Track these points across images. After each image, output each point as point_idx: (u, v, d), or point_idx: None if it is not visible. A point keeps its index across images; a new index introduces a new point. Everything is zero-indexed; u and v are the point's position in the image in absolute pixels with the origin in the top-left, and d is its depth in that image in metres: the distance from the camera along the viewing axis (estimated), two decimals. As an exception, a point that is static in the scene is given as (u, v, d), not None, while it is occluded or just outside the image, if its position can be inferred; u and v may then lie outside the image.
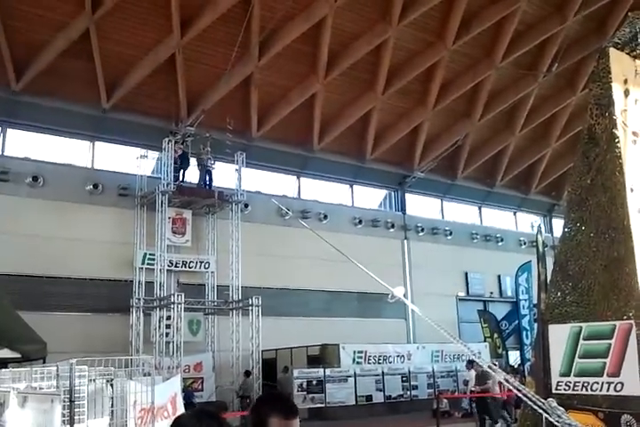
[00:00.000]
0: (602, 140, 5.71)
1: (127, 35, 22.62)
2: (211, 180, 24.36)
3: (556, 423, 2.54)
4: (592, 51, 28.17)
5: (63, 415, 5.74)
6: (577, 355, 4.57)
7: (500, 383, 18.90)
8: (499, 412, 18.33)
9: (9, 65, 21.32)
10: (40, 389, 7.81)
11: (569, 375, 4.56)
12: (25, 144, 23.27)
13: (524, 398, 2.71)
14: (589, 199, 5.50)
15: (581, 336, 4.61)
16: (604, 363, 4.31)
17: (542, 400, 2.64)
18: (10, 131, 23.12)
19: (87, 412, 6.09)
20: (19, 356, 15.05)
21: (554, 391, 4.56)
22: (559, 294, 5.27)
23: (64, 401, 5.78)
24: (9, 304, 16.68)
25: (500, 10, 26.12)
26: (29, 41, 21.50)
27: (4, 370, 10.03)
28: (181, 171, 24.06)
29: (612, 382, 4.20)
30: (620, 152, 5.49)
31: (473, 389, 19.39)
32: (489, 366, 2.65)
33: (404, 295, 4.16)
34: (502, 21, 26.76)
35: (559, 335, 4.79)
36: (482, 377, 18.93)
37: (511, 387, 2.77)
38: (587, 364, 4.47)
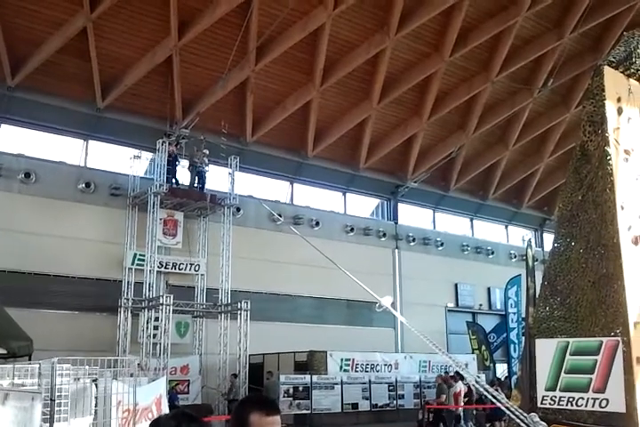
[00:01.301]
0: (594, 157, 5.76)
1: (125, 35, 22.62)
2: (204, 182, 24.33)
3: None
4: (587, 68, 28.38)
5: (44, 414, 5.72)
6: (563, 370, 4.59)
7: (455, 397, 19.12)
8: (452, 424, 18.48)
9: (5, 60, 21.27)
10: (23, 386, 7.79)
11: (555, 390, 4.58)
12: (18, 140, 23.20)
13: (507, 412, 2.73)
14: (580, 215, 5.54)
15: (568, 351, 4.63)
16: (590, 379, 4.33)
17: (525, 414, 2.66)
18: (3, 126, 23.05)
19: (70, 411, 6.07)
20: (4, 352, 14.97)
21: (539, 405, 4.58)
22: (547, 308, 5.29)
23: (45, 399, 5.76)
24: (-4, 301, 16.62)
25: (497, 24, 26.27)
26: (26, 37, 21.47)
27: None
28: (173, 174, 24.03)
29: (598, 398, 4.22)
30: (611, 169, 5.54)
31: (430, 401, 19.70)
32: (475, 380, 2.67)
33: (392, 305, 4.17)
34: (499, 35, 26.91)
35: (546, 350, 4.81)
36: (438, 391, 19.18)
37: (495, 400, 2.79)
38: (573, 379, 4.49)
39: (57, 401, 5.70)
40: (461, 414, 19.75)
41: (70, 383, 6.33)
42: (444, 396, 18.87)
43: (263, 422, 2.76)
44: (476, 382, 2.74)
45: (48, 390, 5.94)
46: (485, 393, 2.73)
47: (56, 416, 5.74)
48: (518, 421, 2.65)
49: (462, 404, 20.47)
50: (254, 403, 2.84)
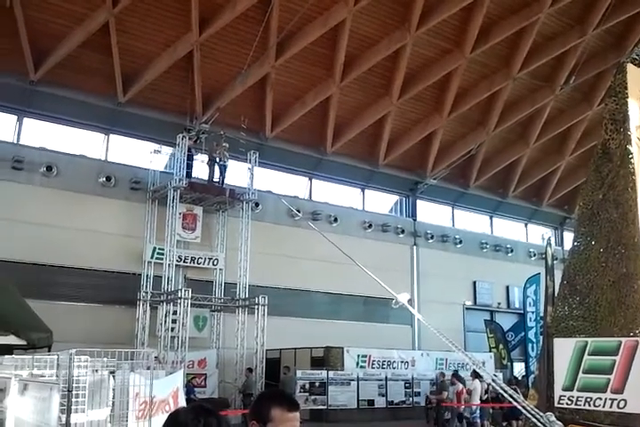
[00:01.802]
0: (615, 156, 5.71)
1: (146, 30, 22.74)
2: (224, 176, 24.38)
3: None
4: (610, 65, 28.11)
5: (61, 404, 5.79)
6: (581, 370, 4.55)
7: (458, 395, 19.18)
8: (453, 422, 18.50)
9: (28, 55, 21.46)
10: (42, 377, 7.88)
11: (572, 390, 4.55)
12: (40, 134, 23.42)
13: (524, 411, 2.71)
14: (600, 214, 5.49)
15: (586, 351, 4.60)
16: (609, 379, 4.30)
17: (541, 414, 2.65)
18: (26, 120, 23.26)
19: (87, 402, 6.13)
20: (24, 343, 15.13)
21: (556, 405, 4.55)
22: (566, 307, 5.26)
23: (62, 390, 5.82)
24: (17, 292, 16.79)
25: (519, 20, 26.07)
26: (49, 32, 21.65)
27: (7, 356, 10.09)
28: (193, 168, 24.15)
29: (616, 399, 4.19)
30: (633, 168, 5.48)
31: (431, 397, 19.83)
32: (492, 379, 2.66)
33: (410, 302, 4.17)
34: (521, 32, 26.70)
35: (564, 349, 4.78)
36: (439, 387, 19.24)
37: (511, 399, 2.78)
38: (591, 379, 4.45)
39: (74, 392, 5.75)
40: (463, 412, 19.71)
41: (88, 375, 6.39)
42: (446, 393, 18.91)
43: (285, 417, 2.78)
44: (493, 380, 2.73)
45: (65, 381, 6.01)
46: (502, 392, 2.72)
47: (73, 407, 5.80)
48: (534, 420, 2.64)
49: (479, 401, 20.41)
50: (276, 398, 2.86)
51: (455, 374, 20.84)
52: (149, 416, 7.42)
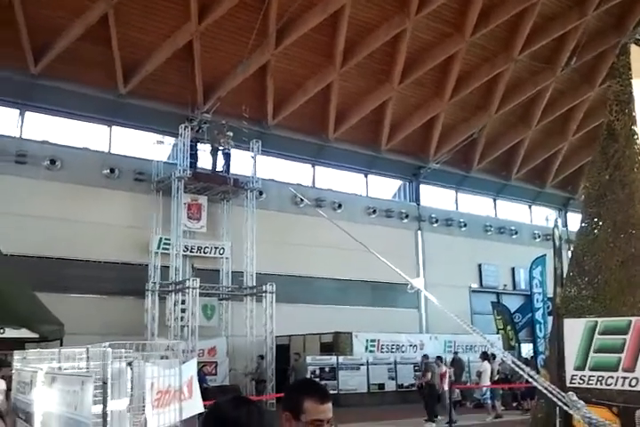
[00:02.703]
0: (621, 137, 5.74)
1: (145, 21, 22.69)
2: (229, 164, 24.40)
3: (576, 416, 2.60)
4: (610, 46, 28.00)
5: (95, 396, 5.91)
6: (592, 349, 4.62)
7: (441, 377, 19.43)
8: (435, 404, 18.69)
9: (28, 49, 21.46)
10: (65, 370, 8.00)
11: (584, 369, 4.62)
12: (43, 127, 23.45)
13: (544, 391, 2.77)
14: (607, 195, 5.53)
15: (597, 331, 4.66)
16: (620, 358, 4.36)
17: (563, 393, 2.70)
18: (28, 114, 23.29)
19: (110, 393, 6.26)
20: (36, 336, 15.31)
21: (568, 385, 4.62)
22: (575, 288, 5.32)
23: (95, 382, 5.95)
24: (27, 285, 16.94)
25: (519, 2, 25.93)
26: (48, 25, 21.61)
27: (31, 350, 10.26)
28: (196, 159, 24.16)
29: (628, 378, 4.26)
30: (639, 149, 5.52)
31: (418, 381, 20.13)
32: (512, 361, 2.73)
33: (424, 286, 4.23)
34: (521, 14, 26.57)
35: (574, 329, 4.85)
36: (424, 369, 19.45)
37: (531, 379, 2.84)
38: (602, 358, 4.52)
39: (96, 384, 5.88)
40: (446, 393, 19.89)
41: (111, 367, 6.51)
42: (430, 374, 19.14)
43: (319, 409, 2.84)
44: (513, 361, 2.78)
45: (97, 373, 6.14)
46: (521, 372, 2.78)
47: (96, 399, 5.91)
48: (555, 400, 2.69)
49: (489, 383, 20.52)
50: (308, 390, 2.89)
51: (439, 357, 21.09)
52: (167, 405, 7.53)
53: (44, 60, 21.99)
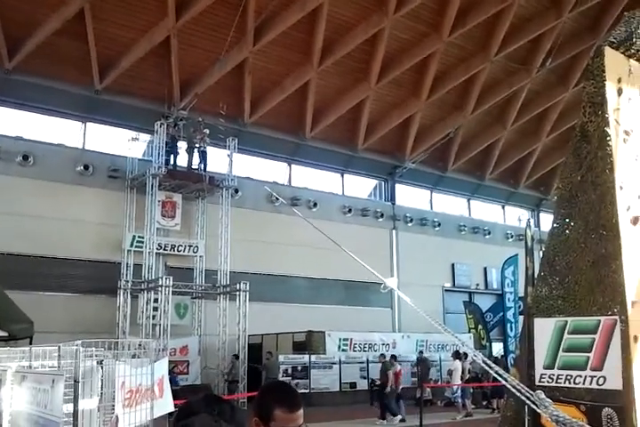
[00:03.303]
0: (594, 138, 5.78)
1: (122, 16, 22.48)
2: (205, 162, 24.26)
3: (544, 414, 2.61)
4: (586, 47, 28.33)
5: (65, 395, 5.85)
6: (561, 348, 4.65)
7: (396, 376, 19.69)
8: (391, 403, 18.90)
9: (2, 43, 21.21)
10: (35, 368, 7.91)
11: (553, 368, 4.65)
12: (16, 123, 23.15)
13: (513, 390, 2.78)
14: (579, 196, 5.56)
15: (566, 330, 4.69)
16: (588, 357, 4.39)
17: (531, 392, 2.71)
18: (1, 109, 22.97)
19: (80, 392, 6.21)
20: (5, 334, 15.09)
21: (537, 383, 4.65)
22: (546, 288, 5.34)
23: (67, 380, 5.89)
24: (-4, 283, 16.70)
25: (496, 3, 26.15)
26: (23, 19, 21.34)
27: (1, 349, 10.13)
28: (172, 156, 24.00)
29: (595, 376, 4.29)
30: (611, 150, 5.55)
31: (377, 380, 20.51)
32: (482, 360, 2.73)
33: (396, 286, 4.22)
34: (498, 15, 26.79)
35: (544, 329, 4.87)
36: (383, 368, 19.65)
37: (500, 378, 2.85)
38: (571, 357, 4.55)
39: (67, 382, 5.82)
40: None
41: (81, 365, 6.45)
42: (390, 372, 19.34)
43: (289, 418, 2.81)
44: (483, 360, 2.79)
45: (69, 371, 6.09)
46: (489, 370, 2.78)
47: (67, 398, 5.86)
48: (524, 398, 2.70)
49: (459, 381, 20.70)
50: (279, 398, 2.86)
51: (393, 356, 21.20)
52: (136, 404, 7.49)
53: (19, 55, 21.71)
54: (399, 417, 18.35)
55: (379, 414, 18.54)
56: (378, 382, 20.56)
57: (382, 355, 21.30)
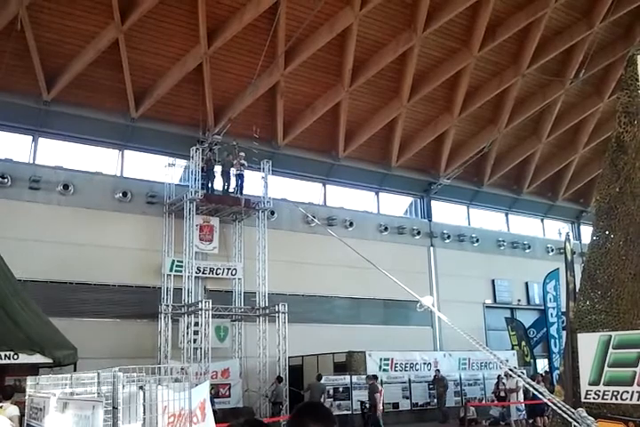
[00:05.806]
0: (630, 148, 5.70)
1: (155, 45, 22.92)
2: (242, 185, 24.45)
3: (586, 432, 2.56)
4: (619, 57, 28.00)
5: (105, 421, 5.88)
6: (606, 364, 4.55)
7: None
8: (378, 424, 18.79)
9: (40, 75, 21.69)
10: (77, 395, 7.97)
11: (598, 384, 4.55)
12: (56, 153, 23.64)
13: (554, 407, 2.73)
14: (618, 207, 5.48)
15: (611, 345, 4.59)
16: (634, 372, 4.29)
17: (572, 410, 2.66)
18: (41, 140, 23.50)
19: (122, 417, 6.23)
20: (50, 361, 15.30)
21: (583, 400, 4.55)
22: (588, 302, 5.25)
23: (105, 407, 5.92)
24: (40, 310, 16.98)
25: (526, 16, 26.04)
26: (60, 51, 21.88)
27: (43, 376, 10.26)
28: (208, 181, 24.24)
29: (642, 391, 4.19)
30: (648, 160, 5.47)
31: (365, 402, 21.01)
32: (518, 375, 2.69)
33: (433, 304, 4.19)
34: (528, 28, 26.67)
35: (588, 344, 4.78)
36: (371, 389, 19.46)
37: (540, 396, 2.79)
38: (616, 373, 4.45)
39: (107, 409, 5.85)
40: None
41: (124, 391, 6.48)
42: (377, 395, 19.22)
43: None
44: (522, 378, 2.74)
45: (108, 397, 6.12)
46: (531, 389, 2.73)
47: (106, 424, 5.88)
48: (565, 416, 2.65)
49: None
50: (314, 417, 2.87)
51: (374, 376, 21.35)
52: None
53: (57, 86, 22.22)
54: None
55: None
56: (367, 405, 20.58)
57: (369, 376, 21.17)
